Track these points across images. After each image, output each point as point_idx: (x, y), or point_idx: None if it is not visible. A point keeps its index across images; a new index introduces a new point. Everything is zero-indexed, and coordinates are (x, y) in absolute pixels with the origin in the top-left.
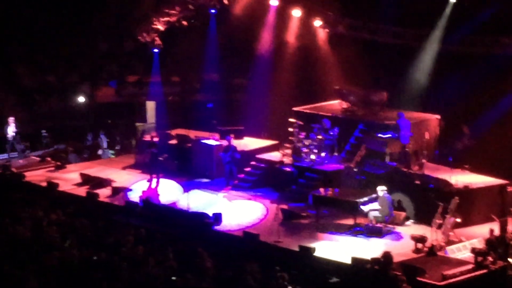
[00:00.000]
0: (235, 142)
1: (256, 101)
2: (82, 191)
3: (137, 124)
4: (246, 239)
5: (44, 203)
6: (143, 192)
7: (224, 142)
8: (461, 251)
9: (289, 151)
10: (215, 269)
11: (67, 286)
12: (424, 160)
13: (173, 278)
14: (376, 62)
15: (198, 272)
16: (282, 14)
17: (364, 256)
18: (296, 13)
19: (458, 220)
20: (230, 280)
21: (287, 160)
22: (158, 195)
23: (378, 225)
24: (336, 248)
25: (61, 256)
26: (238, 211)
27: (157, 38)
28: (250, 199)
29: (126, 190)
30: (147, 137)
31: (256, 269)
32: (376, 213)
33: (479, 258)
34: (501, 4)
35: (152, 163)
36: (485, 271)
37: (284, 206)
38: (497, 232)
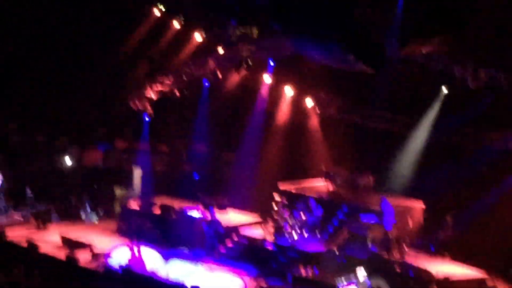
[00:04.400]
0: (218, 215)
1: (243, 175)
2: (62, 254)
3: (116, 190)
4: None
5: (24, 264)
6: (129, 260)
7: (208, 215)
8: None
9: (271, 229)
10: None
11: None
12: (406, 248)
13: None
14: (364, 146)
15: None
16: (275, 91)
17: None
18: (289, 91)
19: None
20: None
21: (269, 237)
22: (144, 263)
23: None
24: None
25: None
26: (217, 284)
27: (149, 107)
28: (229, 272)
29: (106, 256)
30: (133, 205)
31: None
32: None
33: None
34: (492, 100)
35: (132, 231)
36: None
37: (263, 284)
38: None
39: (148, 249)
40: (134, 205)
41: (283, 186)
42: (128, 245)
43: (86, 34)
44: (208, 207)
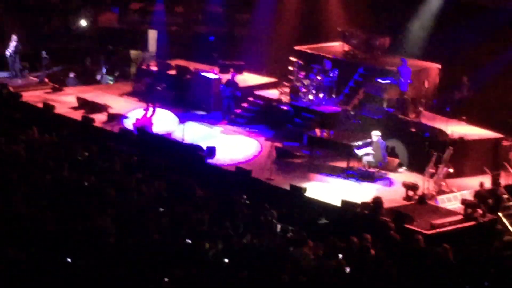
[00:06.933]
0: (234, 77)
1: (258, 37)
2: (77, 115)
3: (132, 51)
4: (238, 174)
5: (40, 125)
6: (137, 120)
7: (227, 76)
8: (451, 202)
9: (287, 90)
10: (206, 200)
11: (56, 209)
12: (421, 109)
13: (161, 209)
14: (381, 6)
15: (188, 203)
16: None
17: (354, 200)
18: None
19: (451, 170)
20: (220, 211)
21: (285, 98)
22: (152, 124)
23: (371, 170)
24: (327, 190)
25: (52, 179)
26: (233, 146)
27: None
28: (245, 135)
29: (122, 117)
30: (146, 66)
31: (246, 203)
32: (370, 158)
33: (469, 210)
34: None
35: (147, 92)
36: (473, 223)
37: (279, 145)
38: (488, 185)
39: (164, 111)
40: (149, 66)
41: (298, 48)
42: (143, 107)
43: None
44: (224, 68)
